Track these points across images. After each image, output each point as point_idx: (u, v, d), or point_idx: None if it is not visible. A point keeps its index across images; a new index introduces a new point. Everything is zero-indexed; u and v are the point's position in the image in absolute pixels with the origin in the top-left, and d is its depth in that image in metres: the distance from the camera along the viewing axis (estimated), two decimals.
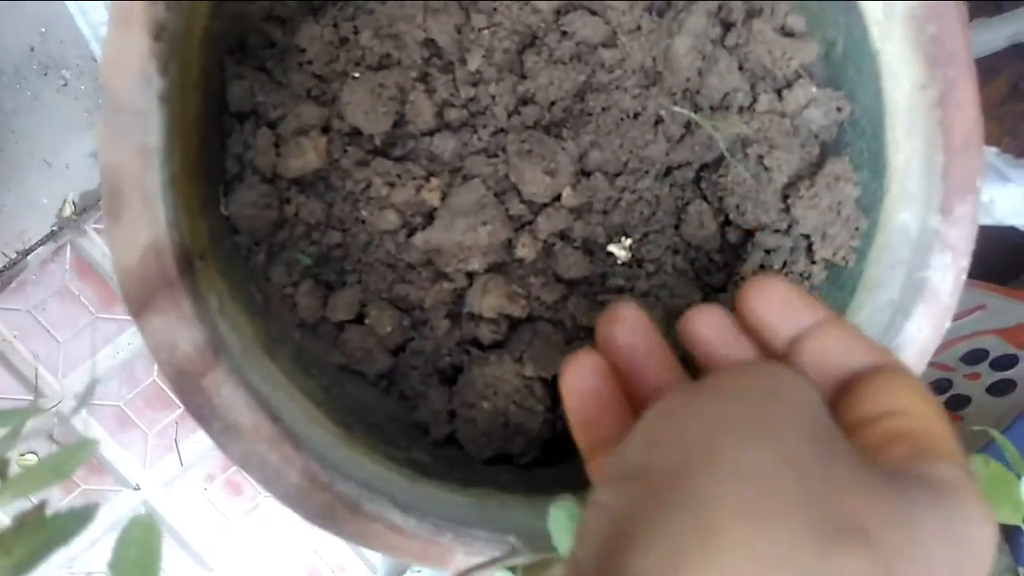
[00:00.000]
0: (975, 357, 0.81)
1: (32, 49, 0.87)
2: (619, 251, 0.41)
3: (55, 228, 0.89)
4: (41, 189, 0.89)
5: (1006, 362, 0.81)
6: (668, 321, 0.42)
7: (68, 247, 0.89)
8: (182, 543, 0.96)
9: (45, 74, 0.87)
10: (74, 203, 0.89)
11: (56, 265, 0.89)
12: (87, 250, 0.90)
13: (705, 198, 0.42)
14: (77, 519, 0.27)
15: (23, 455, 0.91)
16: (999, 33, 0.64)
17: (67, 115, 0.88)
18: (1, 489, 0.28)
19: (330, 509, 0.33)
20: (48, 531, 0.26)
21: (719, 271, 0.43)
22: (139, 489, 0.94)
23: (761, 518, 0.19)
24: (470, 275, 0.40)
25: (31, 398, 0.91)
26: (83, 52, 0.87)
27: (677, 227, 0.43)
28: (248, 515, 0.96)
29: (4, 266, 0.89)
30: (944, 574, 0.20)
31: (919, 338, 0.37)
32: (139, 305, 0.31)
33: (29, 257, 0.89)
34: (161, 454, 0.94)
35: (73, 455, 0.29)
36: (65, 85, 0.87)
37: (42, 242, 0.89)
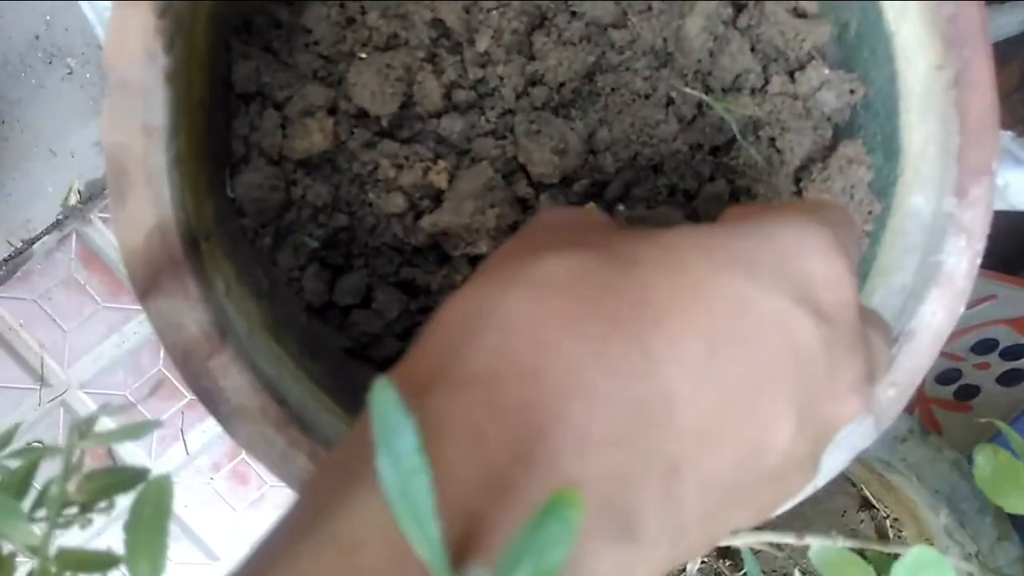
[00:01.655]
0: (985, 347, 0.81)
1: (37, 37, 0.86)
2: None
3: (60, 217, 0.89)
4: (46, 178, 0.88)
5: (1016, 352, 0.80)
6: None
7: (74, 236, 0.89)
8: (188, 532, 0.96)
9: (50, 62, 0.87)
10: (79, 192, 0.89)
11: (62, 254, 0.89)
12: (93, 239, 0.89)
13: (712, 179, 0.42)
14: (135, 476, 0.32)
15: (28, 444, 0.91)
16: (1012, 19, 0.63)
17: (72, 103, 0.88)
18: (85, 436, 0.31)
19: None
20: (114, 477, 0.31)
21: None
22: None
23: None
24: (475, 259, 0.40)
25: (37, 387, 0.91)
26: (88, 40, 0.86)
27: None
28: (254, 505, 0.96)
29: (9, 255, 0.88)
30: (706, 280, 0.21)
31: (933, 323, 0.37)
32: (145, 286, 0.31)
33: (35, 246, 0.89)
34: (167, 444, 0.94)
35: (144, 426, 0.33)
36: (70, 73, 0.87)
37: (48, 231, 0.89)
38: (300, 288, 0.39)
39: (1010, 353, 0.80)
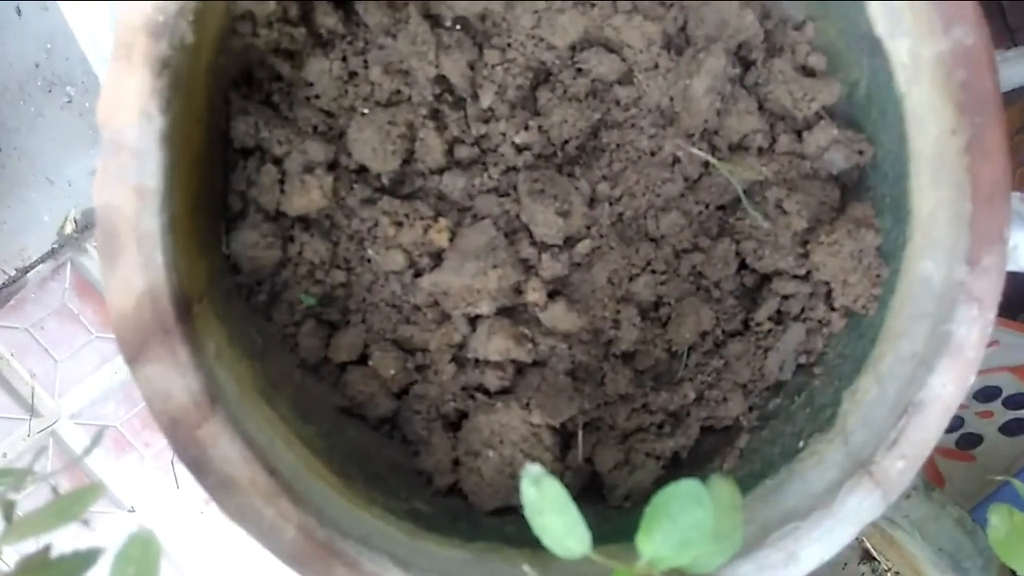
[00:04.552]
0: (988, 395, 0.80)
1: (37, 65, 0.86)
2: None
3: (56, 246, 0.88)
4: (42, 206, 0.88)
5: (1019, 400, 0.79)
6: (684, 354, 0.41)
7: (68, 265, 0.88)
8: (178, 567, 0.94)
9: (50, 91, 0.86)
10: (75, 221, 0.88)
11: (56, 283, 0.88)
12: (87, 268, 0.88)
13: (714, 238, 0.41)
14: (81, 561, 0.28)
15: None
16: (1020, 70, 0.63)
17: (70, 132, 0.87)
18: (7, 532, 0.28)
19: (328, 567, 0.31)
20: (54, 572, 0.27)
21: (734, 316, 0.41)
22: (134, 511, 0.92)
23: None
24: (475, 318, 0.39)
25: (27, 417, 0.89)
26: (88, 69, 0.86)
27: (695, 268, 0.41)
28: (246, 539, 0.95)
29: (3, 283, 0.87)
30: None
31: (943, 394, 0.36)
32: (134, 352, 0.30)
33: (29, 275, 0.88)
34: (157, 476, 0.92)
35: (79, 499, 0.30)
36: (69, 102, 0.86)
37: (42, 260, 0.88)
38: (295, 345, 0.38)
39: (1013, 402, 0.79)
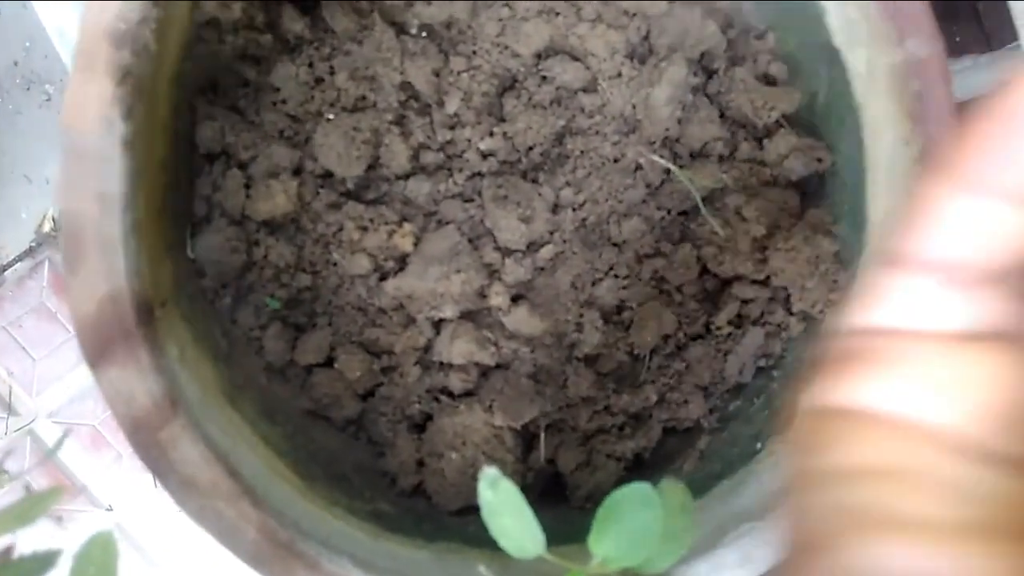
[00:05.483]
0: None
1: (16, 63, 0.86)
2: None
3: (34, 244, 0.88)
4: (20, 204, 0.87)
5: None
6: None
7: (46, 263, 0.88)
8: (155, 565, 0.95)
9: (28, 89, 0.86)
10: (53, 219, 0.88)
11: (33, 282, 0.88)
12: None
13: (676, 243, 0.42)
14: (41, 563, 0.29)
15: None
16: (991, 77, 0.64)
17: (49, 130, 0.87)
18: None
19: (288, 568, 0.32)
20: (14, 573, 0.28)
21: (696, 320, 0.42)
22: (112, 510, 0.92)
23: None
24: (439, 322, 0.39)
25: (4, 416, 0.89)
26: (68, 68, 0.86)
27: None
28: None
29: None
30: None
31: None
32: (95, 356, 0.30)
33: (6, 273, 0.88)
34: (135, 475, 0.92)
35: (38, 502, 0.30)
36: (48, 100, 0.86)
37: (20, 258, 0.88)
38: (260, 348, 0.38)
39: None
